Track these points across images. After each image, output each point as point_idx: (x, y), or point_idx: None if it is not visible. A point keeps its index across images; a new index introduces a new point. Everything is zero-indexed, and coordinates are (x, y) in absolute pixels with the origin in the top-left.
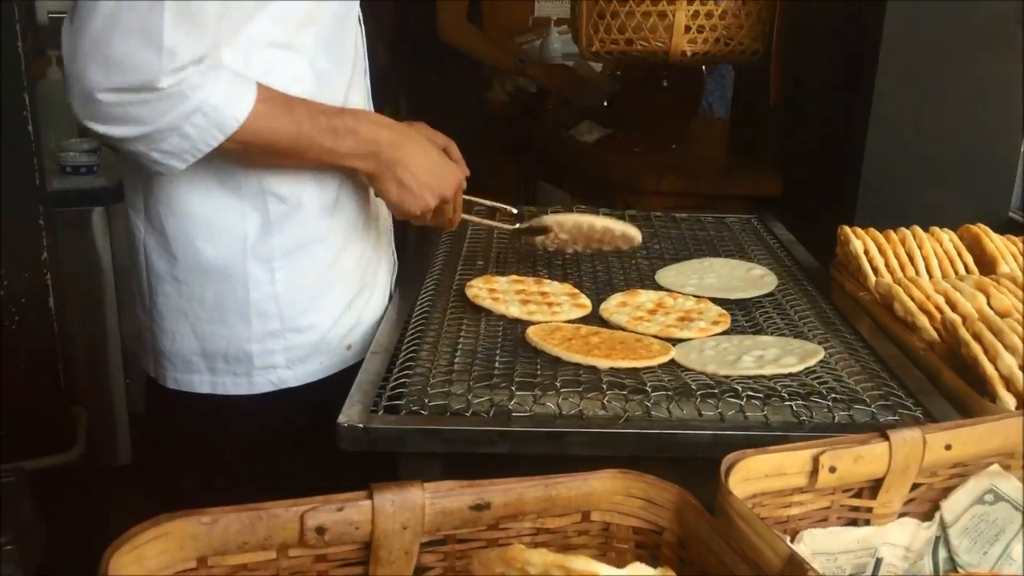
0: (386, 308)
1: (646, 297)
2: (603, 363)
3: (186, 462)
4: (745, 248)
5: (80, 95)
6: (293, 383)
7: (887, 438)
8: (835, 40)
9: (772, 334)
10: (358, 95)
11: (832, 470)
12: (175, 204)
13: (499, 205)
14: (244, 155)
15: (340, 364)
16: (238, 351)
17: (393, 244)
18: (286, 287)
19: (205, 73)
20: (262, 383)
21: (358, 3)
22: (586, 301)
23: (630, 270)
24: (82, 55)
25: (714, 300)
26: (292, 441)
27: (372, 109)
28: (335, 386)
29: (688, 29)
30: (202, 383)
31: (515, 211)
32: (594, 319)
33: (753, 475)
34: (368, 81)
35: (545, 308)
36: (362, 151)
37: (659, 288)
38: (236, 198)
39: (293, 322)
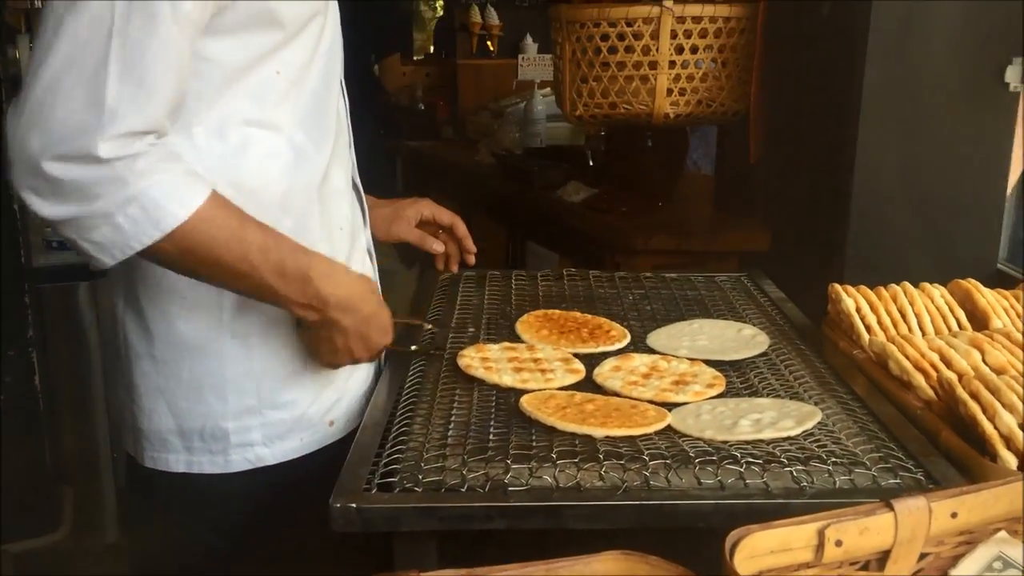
0: (371, 382)
1: (639, 361)
2: (599, 432)
3: (168, 542)
4: (736, 307)
5: (22, 165)
6: (271, 461)
7: (892, 508)
8: (818, 97)
9: (768, 396)
10: (340, 169)
11: (838, 543)
12: (151, 281)
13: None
14: (178, 264)
15: (322, 441)
16: (214, 429)
17: None
18: (263, 363)
19: (154, 163)
20: (239, 461)
21: (340, 77)
22: (579, 366)
23: None
24: (24, 122)
25: (708, 362)
26: (272, 521)
27: (357, 180)
28: (316, 463)
29: (670, 92)
30: (178, 462)
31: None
32: (588, 384)
33: (758, 552)
34: (353, 154)
35: (538, 375)
36: (306, 302)
37: (651, 351)
38: None
39: (271, 398)
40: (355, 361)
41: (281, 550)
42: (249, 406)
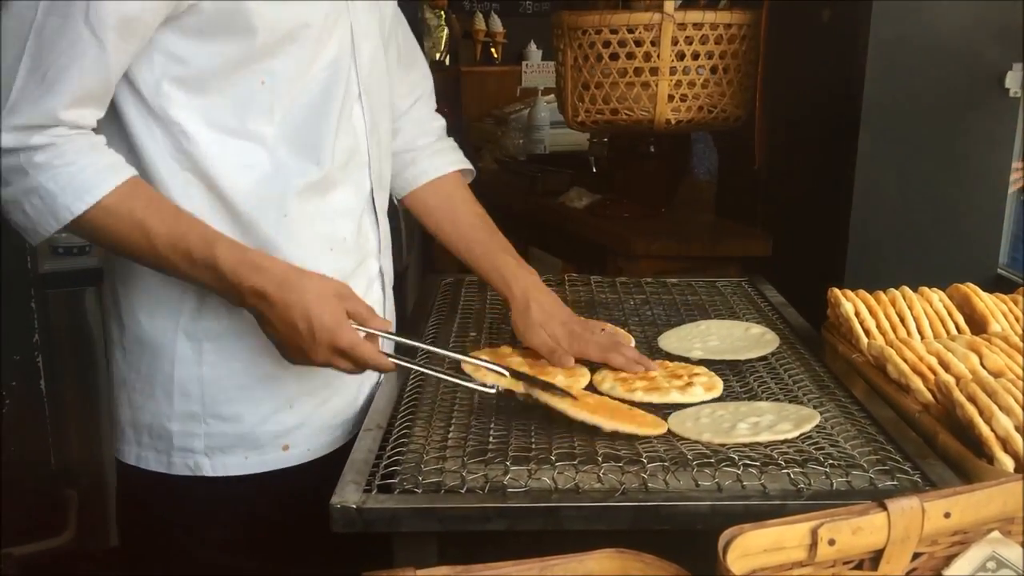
0: (354, 412)
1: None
2: (608, 424)
3: (151, 544)
4: (737, 311)
5: None
6: (210, 472)
7: (885, 508)
8: (818, 102)
9: (767, 399)
10: (349, 188)
11: (831, 543)
12: (125, 274)
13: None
14: (95, 241)
15: (271, 464)
16: (160, 428)
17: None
18: (212, 371)
19: (53, 157)
20: (180, 465)
21: (360, 93)
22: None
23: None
24: None
25: (723, 362)
26: (218, 531)
27: (378, 203)
28: (268, 484)
29: (671, 98)
30: (129, 454)
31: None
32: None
33: (752, 550)
34: (372, 175)
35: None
36: (221, 288)
37: (662, 354)
38: None
39: (216, 408)
40: (324, 364)
41: (230, 561)
42: (193, 412)
